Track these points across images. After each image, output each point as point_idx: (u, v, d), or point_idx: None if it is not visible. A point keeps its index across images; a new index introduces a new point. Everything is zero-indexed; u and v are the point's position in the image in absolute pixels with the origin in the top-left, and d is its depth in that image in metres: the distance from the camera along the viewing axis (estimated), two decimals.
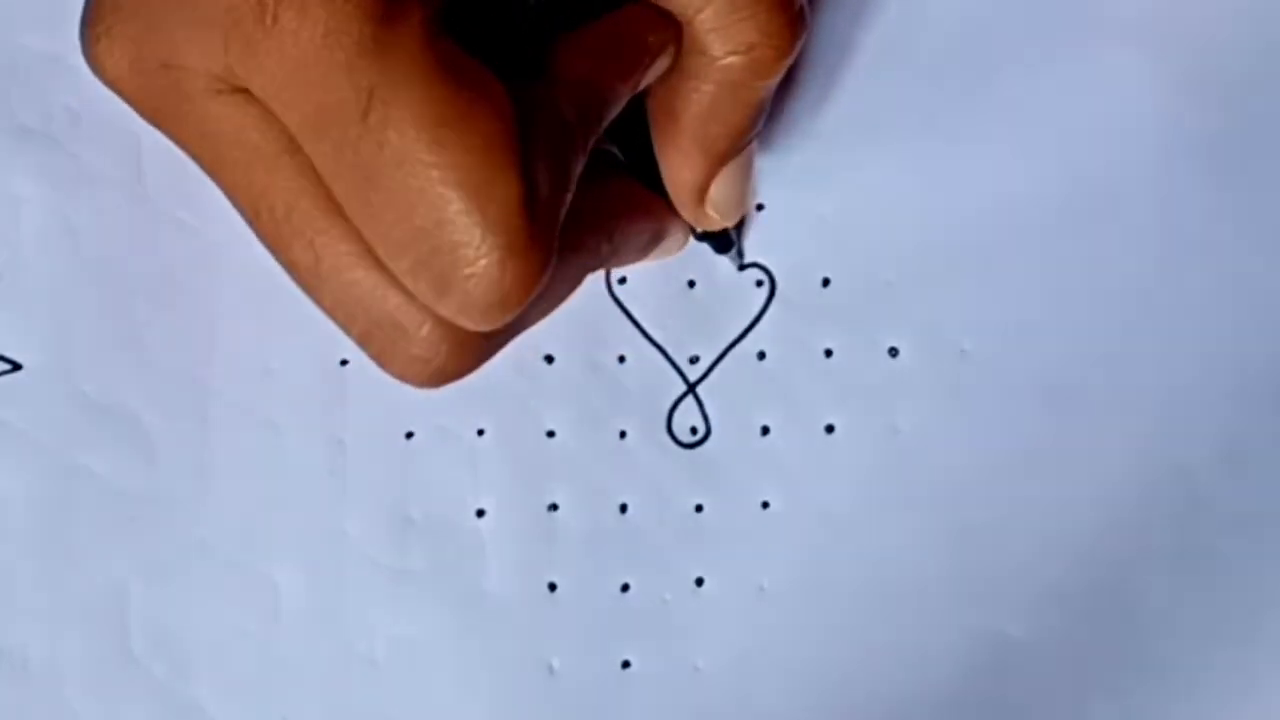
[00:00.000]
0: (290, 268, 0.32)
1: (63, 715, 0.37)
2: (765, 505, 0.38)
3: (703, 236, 0.38)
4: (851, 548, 0.38)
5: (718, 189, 0.36)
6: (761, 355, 0.39)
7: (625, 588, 0.38)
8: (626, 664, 0.38)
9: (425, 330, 0.31)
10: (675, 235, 0.37)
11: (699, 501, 0.38)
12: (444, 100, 0.29)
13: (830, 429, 0.39)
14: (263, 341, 0.38)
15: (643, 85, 0.33)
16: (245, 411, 0.38)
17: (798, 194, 0.39)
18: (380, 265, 0.31)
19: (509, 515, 0.38)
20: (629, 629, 0.38)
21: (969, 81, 0.39)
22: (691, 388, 0.39)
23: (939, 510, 0.38)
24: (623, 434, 0.38)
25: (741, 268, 0.39)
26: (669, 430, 0.38)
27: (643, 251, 0.37)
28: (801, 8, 0.33)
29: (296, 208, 0.31)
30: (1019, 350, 0.39)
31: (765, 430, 0.39)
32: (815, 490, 0.38)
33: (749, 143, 0.36)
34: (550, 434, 0.38)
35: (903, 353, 0.39)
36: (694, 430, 0.39)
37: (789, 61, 0.33)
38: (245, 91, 0.30)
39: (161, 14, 0.30)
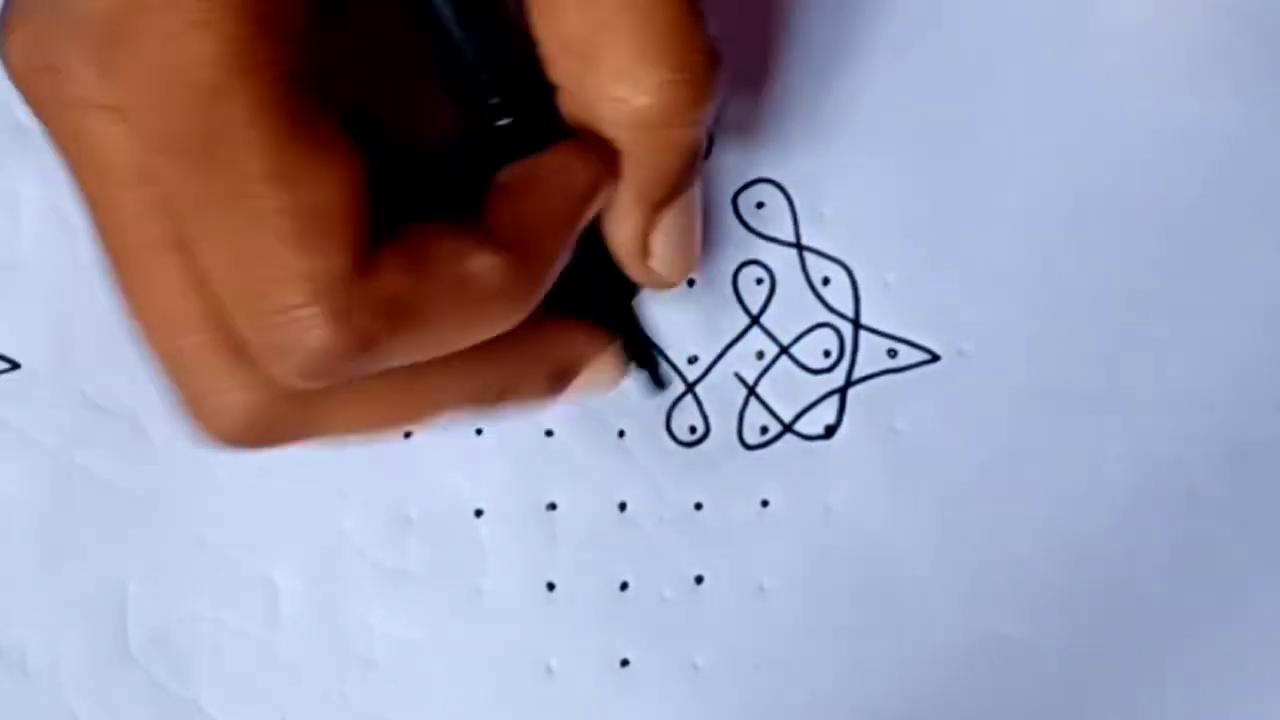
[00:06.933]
0: (120, 287, 0.32)
1: (61, 715, 0.37)
2: (765, 504, 0.38)
3: (639, 368, 0.37)
4: (851, 547, 0.38)
5: (659, 242, 0.35)
6: (760, 355, 0.39)
7: (624, 586, 0.38)
8: (625, 663, 0.38)
9: (228, 393, 0.31)
10: (600, 368, 0.36)
11: (698, 500, 0.38)
12: (283, 155, 0.29)
13: (830, 428, 0.39)
14: None
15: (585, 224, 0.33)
16: None
17: (797, 194, 0.39)
18: (204, 308, 0.31)
19: (507, 514, 0.38)
20: (628, 627, 0.38)
21: (969, 81, 0.39)
22: (690, 387, 0.39)
23: (939, 510, 0.38)
24: (621, 433, 0.38)
25: (669, 410, 0.38)
26: (668, 429, 0.38)
27: (550, 386, 0.35)
28: (710, 45, 0.32)
29: (141, 231, 0.31)
30: (1019, 350, 0.39)
31: (764, 429, 0.39)
32: (815, 489, 0.38)
33: (686, 188, 0.34)
34: (549, 433, 0.38)
35: (901, 353, 0.39)
36: (693, 429, 0.39)
37: (708, 100, 0.32)
38: (115, 109, 0.30)
39: (51, 19, 0.30)
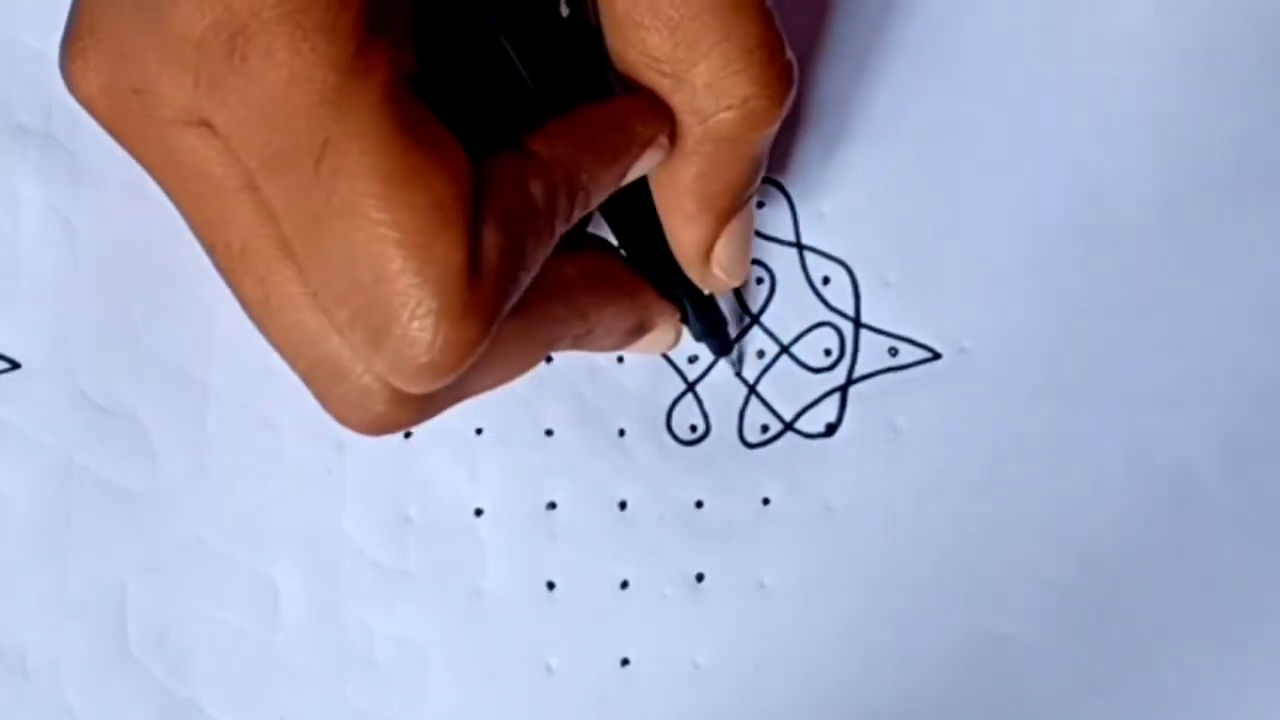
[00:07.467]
0: (241, 301, 0.32)
1: (61, 714, 0.37)
2: (765, 502, 0.38)
3: (702, 336, 0.38)
4: (851, 545, 0.38)
5: (722, 248, 0.35)
6: (761, 354, 0.39)
7: (624, 585, 0.38)
8: (625, 661, 0.38)
9: (365, 379, 0.31)
10: (664, 330, 0.37)
11: (699, 498, 0.38)
12: (396, 157, 0.29)
13: (831, 426, 0.39)
14: (262, 341, 0.38)
15: (632, 176, 0.33)
16: (245, 411, 0.38)
17: (797, 193, 0.39)
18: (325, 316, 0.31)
19: (507, 514, 0.38)
20: (628, 626, 0.38)
21: (970, 81, 0.39)
22: (691, 386, 0.39)
23: (939, 509, 0.38)
24: (621, 432, 0.38)
25: (738, 374, 0.39)
26: (668, 428, 0.38)
27: (624, 339, 0.36)
28: (791, 60, 0.33)
29: (250, 245, 0.31)
30: (1020, 348, 0.39)
31: (765, 428, 0.39)
32: (816, 487, 0.38)
33: (751, 197, 0.35)
34: (549, 433, 0.38)
35: (902, 351, 0.39)
36: (693, 428, 0.39)
37: (783, 112, 0.33)
38: (211, 125, 0.30)
39: (137, 41, 0.30)
